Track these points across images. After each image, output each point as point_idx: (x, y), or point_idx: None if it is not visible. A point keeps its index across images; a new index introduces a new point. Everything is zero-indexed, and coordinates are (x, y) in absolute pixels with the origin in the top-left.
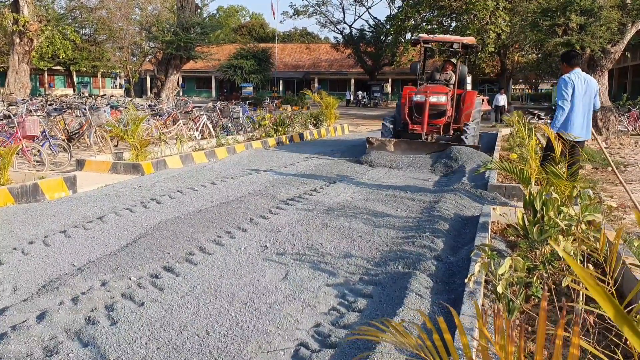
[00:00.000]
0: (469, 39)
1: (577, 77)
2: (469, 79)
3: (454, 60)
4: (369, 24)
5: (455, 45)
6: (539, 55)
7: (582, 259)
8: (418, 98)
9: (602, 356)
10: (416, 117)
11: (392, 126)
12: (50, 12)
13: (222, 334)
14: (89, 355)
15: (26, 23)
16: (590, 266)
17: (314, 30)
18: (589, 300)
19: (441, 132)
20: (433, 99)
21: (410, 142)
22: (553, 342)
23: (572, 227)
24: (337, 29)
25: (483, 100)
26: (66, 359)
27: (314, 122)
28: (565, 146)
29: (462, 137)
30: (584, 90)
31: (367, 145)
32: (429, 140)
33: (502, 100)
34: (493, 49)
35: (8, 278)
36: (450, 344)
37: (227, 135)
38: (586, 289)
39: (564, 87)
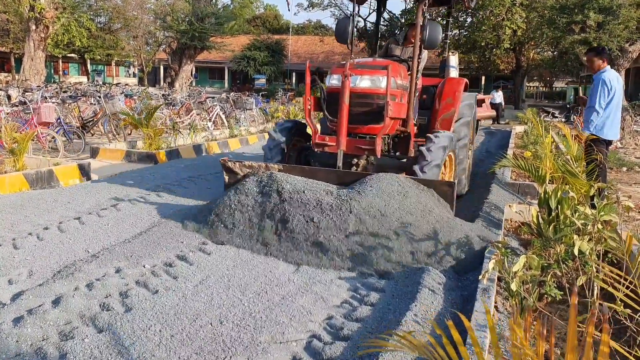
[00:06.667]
0: None
1: (616, 76)
2: (453, 59)
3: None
4: (384, 18)
5: None
6: (555, 52)
7: (597, 258)
8: (333, 82)
9: (622, 350)
10: (330, 121)
11: (283, 140)
12: (66, 0)
13: (235, 323)
14: (104, 341)
15: (42, 10)
16: (606, 266)
17: (328, 23)
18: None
19: (378, 153)
20: (362, 82)
21: (310, 171)
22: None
23: (588, 227)
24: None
25: (484, 102)
26: (81, 344)
27: None
28: (599, 147)
29: (415, 167)
30: (620, 88)
31: (225, 178)
32: (358, 167)
33: (498, 97)
34: (508, 46)
35: (24, 263)
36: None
37: (239, 127)
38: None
39: (604, 90)
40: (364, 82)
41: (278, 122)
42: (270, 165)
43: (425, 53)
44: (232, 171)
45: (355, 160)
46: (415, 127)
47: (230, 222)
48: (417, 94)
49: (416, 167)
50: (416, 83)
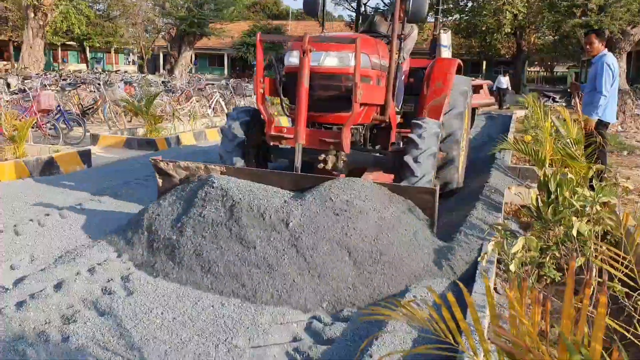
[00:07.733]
0: None
1: (615, 59)
2: (445, 38)
3: None
4: (384, 2)
5: None
6: (556, 37)
7: (595, 239)
8: (292, 60)
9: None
10: (288, 108)
11: (242, 133)
12: None
13: (236, 305)
14: (106, 324)
15: None
16: (604, 244)
17: (328, 8)
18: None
19: (346, 147)
20: (327, 59)
21: (259, 174)
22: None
23: (587, 208)
24: (352, 7)
25: (481, 88)
26: (83, 327)
27: None
28: (599, 130)
29: (404, 184)
30: (618, 71)
31: (158, 181)
32: (326, 164)
33: (504, 82)
34: (509, 30)
35: (25, 248)
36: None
37: None
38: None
39: (608, 74)
40: (328, 60)
41: (233, 110)
42: (210, 166)
43: (415, 31)
44: (166, 173)
45: (323, 156)
46: (399, 116)
47: (148, 246)
48: (401, 76)
49: (405, 184)
50: (399, 63)
